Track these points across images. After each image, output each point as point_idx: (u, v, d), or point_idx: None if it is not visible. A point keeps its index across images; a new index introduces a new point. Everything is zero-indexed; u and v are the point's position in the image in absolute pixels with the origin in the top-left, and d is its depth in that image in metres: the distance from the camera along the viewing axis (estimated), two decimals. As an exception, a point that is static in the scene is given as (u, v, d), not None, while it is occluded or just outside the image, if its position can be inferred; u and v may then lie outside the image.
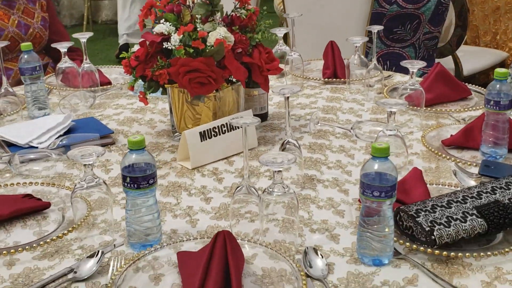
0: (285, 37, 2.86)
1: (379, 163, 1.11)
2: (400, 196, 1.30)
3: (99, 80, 2.17)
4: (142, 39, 1.69)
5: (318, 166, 1.59)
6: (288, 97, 1.43)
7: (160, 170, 1.59)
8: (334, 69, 2.27)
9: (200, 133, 1.63)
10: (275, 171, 1.17)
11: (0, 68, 1.95)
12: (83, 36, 2.04)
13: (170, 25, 1.68)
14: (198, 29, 1.68)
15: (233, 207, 1.30)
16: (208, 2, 1.70)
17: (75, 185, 1.26)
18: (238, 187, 1.26)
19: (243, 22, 1.75)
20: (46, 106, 1.97)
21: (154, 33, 1.70)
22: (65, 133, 1.78)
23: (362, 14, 2.82)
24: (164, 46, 1.65)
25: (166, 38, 1.66)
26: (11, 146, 1.71)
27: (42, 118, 1.87)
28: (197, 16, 1.69)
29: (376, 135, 1.55)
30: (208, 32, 1.66)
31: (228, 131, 1.68)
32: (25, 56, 1.93)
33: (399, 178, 1.29)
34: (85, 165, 1.24)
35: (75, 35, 2.05)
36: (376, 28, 2.04)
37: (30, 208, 1.37)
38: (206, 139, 1.64)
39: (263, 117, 1.93)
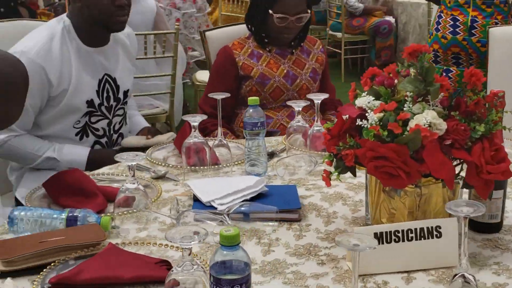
0: None
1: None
2: None
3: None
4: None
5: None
6: None
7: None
8: None
9: (376, 234, 1.33)
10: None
11: (218, 119, 1.91)
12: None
13: (373, 99, 1.42)
14: (405, 109, 1.38)
15: None
16: (421, 77, 1.39)
17: (172, 270, 1.11)
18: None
19: (469, 107, 1.39)
20: (258, 164, 1.87)
21: (356, 106, 1.46)
22: (252, 199, 1.64)
23: None
24: (357, 123, 1.40)
25: (363, 114, 1.41)
26: (196, 201, 1.64)
27: (237, 178, 1.77)
28: (407, 93, 1.40)
29: None
30: (414, 114, 1.36)
31: (416, 239, 1.35)
32: (250, 110, 1.86)
33: None
34: (183, 248, 1.08)
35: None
36: None
37: (154, 277, 1.27)
38: (382, 243, 1.33)
39: (492, 228, 1.51)
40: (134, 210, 1.57)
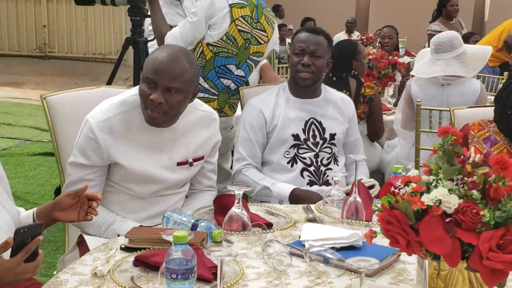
0: None
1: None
2: None
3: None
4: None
5: None
6: None
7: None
8: None
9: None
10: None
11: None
12: None
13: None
14: (433, 184, 1.48)
15: None
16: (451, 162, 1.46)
17: None
18: None
19: (490, 193, 1.40)
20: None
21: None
22: (343, 248, 1.86)
23: None
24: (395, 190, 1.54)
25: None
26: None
27: (337, 229, 1.98)
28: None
29: None
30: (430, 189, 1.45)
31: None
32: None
33: None
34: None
35: None
36: None
37: (201, 275, 1.65)
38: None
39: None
40: (244, 234, 1.97)
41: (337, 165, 2.87)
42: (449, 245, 1.40)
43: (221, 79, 3.17)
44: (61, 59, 12.59)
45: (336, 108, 2.90)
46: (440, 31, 6.44)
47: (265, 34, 3.22)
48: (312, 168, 2.80)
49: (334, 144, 2.86)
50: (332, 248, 1.86)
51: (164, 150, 2.25)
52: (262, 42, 3.21)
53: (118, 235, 2.09)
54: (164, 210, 2.23)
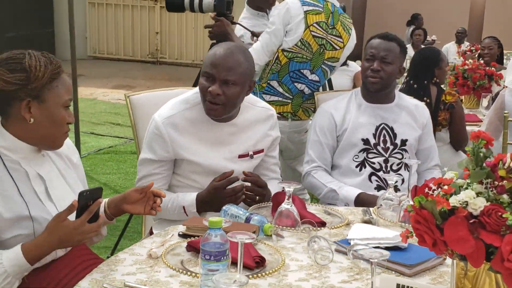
0: None
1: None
2: None
3: None
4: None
5: None
6: None
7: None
8: None
9: (398, 285, 1.52)
10: None
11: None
12: None
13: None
14: (464, 186, 1.51)
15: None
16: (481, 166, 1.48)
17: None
18: None
19: (516, 196, 1.42)
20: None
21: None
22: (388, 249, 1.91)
23: None
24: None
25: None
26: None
27: (383, 229, 2.02)
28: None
29: None
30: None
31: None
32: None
33: None
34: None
35: None
36: None
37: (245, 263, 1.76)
38: (401, 294, 1.52)
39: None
40: (294, 229, 2.07)
41: (408, 171, 2.89)
42: (472, 246, 1.43)
43: (295, 84, 3.27)
44: (171, 64, 13.13)
45: (409, 114, 2.92)
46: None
47: (341, 40, 3.29)
48: (380, 173, 2.84)
49: (406, 150, 2.88)
50: (377, 247, 1.91)
51: (226, 143, 2.40)
52: (338, 47, 3.29)
53: (184, 208, 2.33)
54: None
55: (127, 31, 13.29)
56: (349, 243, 1.96)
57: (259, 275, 1.73)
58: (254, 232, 2.00)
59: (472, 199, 1.45)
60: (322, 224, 2.18)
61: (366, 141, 2.86)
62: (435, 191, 1.55)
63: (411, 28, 11.13)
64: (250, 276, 1.71)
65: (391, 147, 2.87)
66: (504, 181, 1.47)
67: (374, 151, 2.86)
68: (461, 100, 4.42)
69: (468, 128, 4.24)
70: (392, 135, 2.88)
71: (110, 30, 13.35)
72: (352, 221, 2.23)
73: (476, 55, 6.84)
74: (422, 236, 1.52)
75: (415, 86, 3.89)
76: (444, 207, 1.46)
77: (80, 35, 13.24)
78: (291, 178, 3.34)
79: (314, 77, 3.30)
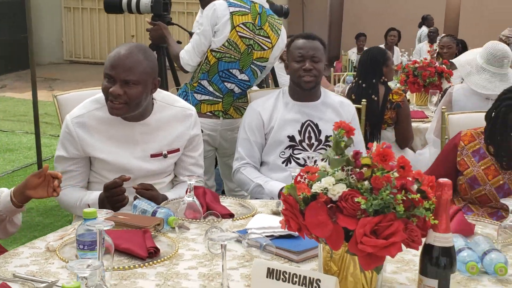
0: None
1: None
2: None
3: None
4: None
5: None
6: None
7: None
8: None
9: (269, 268, 1.59)
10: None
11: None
12: None
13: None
14: (329, 173, 1.58)
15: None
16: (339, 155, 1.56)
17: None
18: None
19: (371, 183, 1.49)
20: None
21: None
22: (282, 236, 1.98)
23: None
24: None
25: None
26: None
27: (277, 218, 2.09)
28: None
29: None
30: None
31: (298, 284, 1.54)
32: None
33: None
34: (80, 276, 1.38)
35: None
36: None
37: (135, 252, 1.83)
38: (272, 278, 1.58)
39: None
40: (199, 221, 2.13)
41: None
42: (330, 229, 1.50)
43: (225, 83, 3.34)
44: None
45: (334, 111, 2.99)
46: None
47: (269, 40, 3.36)
48: None
49: (330, 146, 2.94)
50: (271, 236, 1.98)
51: (138, 143, 2.45)
52: (266, 48, 3.36)
53: (89, 205, 2.37)
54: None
55: (103, 35, 13.33)
56: (247, 232, 2.03)
57: (146, 264, 1.79)
58: (158, 225, 2.08)
59: (331, 185, 1.52)
60: (231, 215, 2.25)
61: (291, 138, 2.94)
62: (306, 179, 1.63)
63: (423, 29, 11.35)
64: (137, 265, 1.77)
65: (316, 143, 2.95)
66: (364, 168, 1.55)
67: (299, 147, 2.94)
68: (409, 101, 4.50)
69: (414, 124, 4.34)
70: (317, 132, 2.96)
71: (86, 34, 13.39)
72: (261, 212, 2.30)
73: (435, 54, 6.92)
74: (289, 222, 1.58)
75: (364, 85, 3.99)
76: (305, 193, 1.53)
77: (56, 39, 13.32)
78: (228, 175, 3.41)
79: (243, 76, 3.37)
